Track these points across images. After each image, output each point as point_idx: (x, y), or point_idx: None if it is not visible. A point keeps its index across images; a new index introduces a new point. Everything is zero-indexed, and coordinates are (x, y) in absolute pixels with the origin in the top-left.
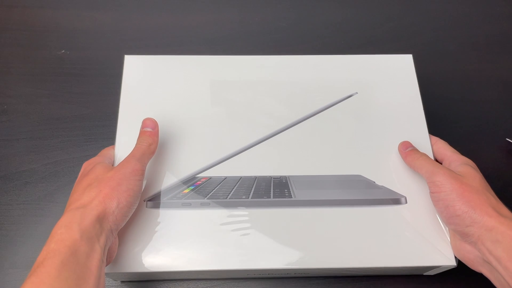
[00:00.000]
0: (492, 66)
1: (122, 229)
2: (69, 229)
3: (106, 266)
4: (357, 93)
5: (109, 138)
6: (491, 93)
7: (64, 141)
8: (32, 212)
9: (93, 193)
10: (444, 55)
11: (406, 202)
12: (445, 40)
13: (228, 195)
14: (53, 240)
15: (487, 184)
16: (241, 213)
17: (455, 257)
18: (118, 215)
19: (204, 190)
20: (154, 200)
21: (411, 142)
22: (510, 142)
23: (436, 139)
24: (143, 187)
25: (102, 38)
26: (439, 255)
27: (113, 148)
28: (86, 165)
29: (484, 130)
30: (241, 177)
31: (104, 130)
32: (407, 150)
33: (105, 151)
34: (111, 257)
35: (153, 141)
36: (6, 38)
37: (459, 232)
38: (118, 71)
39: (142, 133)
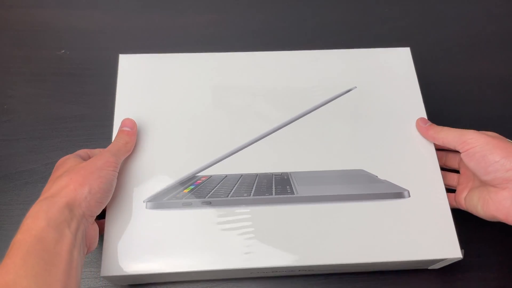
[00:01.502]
0: (492, 65)
1: (122, 231)
2: (35, 218)
3: (87, 253)
4: (356, 87)
5: (109, 138)
6: (491, 93)
7: (64, 141)
8: None
9: (63, 183)
10: (444, 55)
11: (409, 196)
12: (445, 40)
13: (229, 193)
14: (20, 231)
15: None
16: (243, 211)
17: (460, 249)
18: (92, 201)
19: (205, 189)
20: (154, 201)
21: (411, 133)
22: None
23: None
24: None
25: (102, 38)
26: (444, 247)
27: (89, 151)
28: (58, 163)
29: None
30: (242, 175)
31: (104, 130)
32: (427, 125)
33: (80, 151)
34: (92, 244)
35: (130, 140)
36: (6, 38)
37: (498, 179)
38: (117, 71)
39: (120, 131)
